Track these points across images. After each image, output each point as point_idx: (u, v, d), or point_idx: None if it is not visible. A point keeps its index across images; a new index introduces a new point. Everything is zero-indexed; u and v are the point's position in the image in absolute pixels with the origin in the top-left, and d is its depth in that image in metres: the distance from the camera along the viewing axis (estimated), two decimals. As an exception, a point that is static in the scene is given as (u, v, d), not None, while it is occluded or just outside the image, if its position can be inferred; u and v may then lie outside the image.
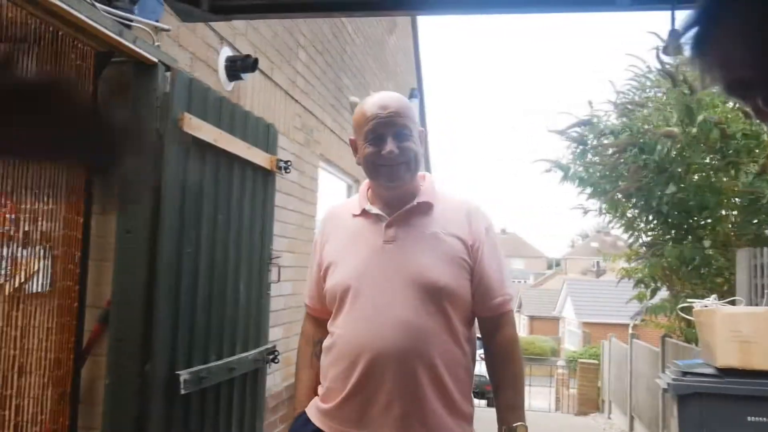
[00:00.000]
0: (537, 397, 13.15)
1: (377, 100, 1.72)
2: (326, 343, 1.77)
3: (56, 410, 2.42)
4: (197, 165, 2.74)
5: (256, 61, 3.39)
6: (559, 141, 8.56)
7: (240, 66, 3.34)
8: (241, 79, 3.42)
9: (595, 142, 7.59)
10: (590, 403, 12.92)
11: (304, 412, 1.79)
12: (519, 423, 1.66)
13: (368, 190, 1.83)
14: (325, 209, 2.01)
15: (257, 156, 3.24)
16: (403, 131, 1.68)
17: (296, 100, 4.54)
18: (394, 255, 1.67)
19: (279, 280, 3.65)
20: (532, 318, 33.38)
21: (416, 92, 8.97)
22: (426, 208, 1.74)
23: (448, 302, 1.64)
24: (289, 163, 3.58)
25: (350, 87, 5.96)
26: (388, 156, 1.66)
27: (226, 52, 3.39)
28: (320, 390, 1.78)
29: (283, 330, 4.31)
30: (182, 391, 2.59)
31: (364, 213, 1.77)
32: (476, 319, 1.79)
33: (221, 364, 2.92)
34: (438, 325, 1.63)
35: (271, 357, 3.43)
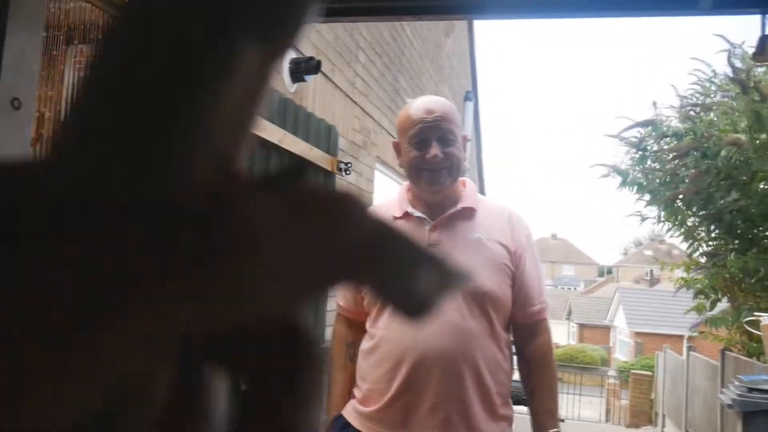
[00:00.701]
0: (587, 407, 12.91)
1: (423, 104, 1.73)
2: (366, 345, 1.76)
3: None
4: (262, 165, 2.79)
5: (319, 63, 3.43)
6: (617, 146, 8.38)
7: (303, 68, 3.38)
8: (304, 80, 3.47)
9: (655, 147, 7.41)
10: (643, 416, 12.61)
11: (341, 415, 1.78)
12: (555, 429, 1.68)
13: (408, 192, 1.83)
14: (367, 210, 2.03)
15: (318, 157, 3.28)
16: (447, 136, 1.68)
17: (355, 102, 4.58)
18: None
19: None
20: (581, 326, 32.75)
21: (471, 95, 8.93)
22: (469, 213, 1.74)
23: (491, 307, 1.66)
24: (349, 165, 3.61)
25: (407, 89, 5.97)
26: (431, 160, 1.66)
27: (289, 54, 3.44)
28: (357, 393, 1.77)
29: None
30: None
31: (406, 215, 1.76)
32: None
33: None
34: (482, 328, 1.64)
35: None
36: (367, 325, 1.76)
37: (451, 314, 1.61)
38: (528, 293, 1.72)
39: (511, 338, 1.79)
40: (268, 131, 2.77)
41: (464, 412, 1.61)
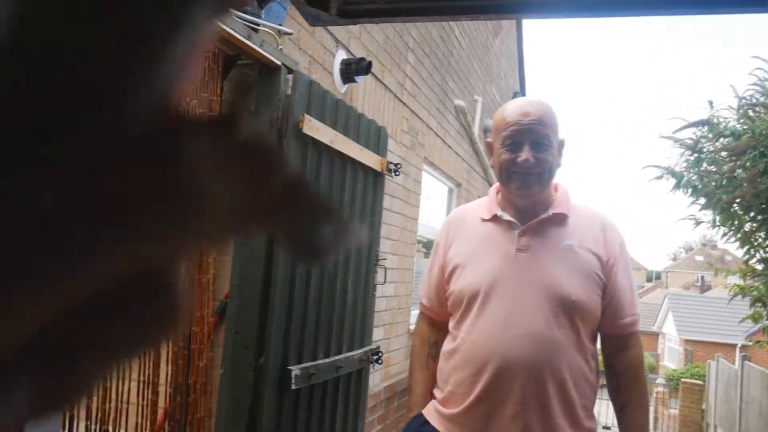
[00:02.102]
0: (634, 415, 12.58)
1: (519, 106, 1.69)
2: (448, 346, 1.75)
3: (183, 397, 2.54)
4: (314, 165, 2.80)
5: (369, 64, 3.43)
6: (670, 148, 8.15)
7: (354, 69, 3.38)
8: (354, 81, 3.47)
9: (711, 149, 7.18)
10: (693, 426, 12.25)
11: (421, 414, 1.78)
12: None
13: (498, 194, 1.80)
14: (451, 212, 2.00)
15: (368, 158, 3.27)
16: (541, 141, 1.65)
17: (404, 103, 4.56)
18: (528, 264, 1.65)
19: (385, 282, 3.67)
20: (628, 332, 32.00)
21: (519, 95, 8.83)
22: (560, 219, 1.71)
23: (579, 317, 1.62)
24: (398, 166, 3.60)
25: (455, 90, 5.93)
26: (522, 164, 1.63)
27: (341, 55, 3.45)
28: (438, 393, 1.76)
29: (384, 331, 4.34)
30: (293, 386, 2.65)
31: (496, 218, 1.75)
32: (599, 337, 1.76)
33: (329, 362, 2.97)
34: (568, 339, 1.61)
35: (375, 357, 3.46)
36: (450, 326, 1.76)
37: (538, 323, 1.59)
38: (619, 304, 1.68)
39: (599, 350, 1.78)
40: (320, 132, 2.78)
41: (546, 421, 1.59)
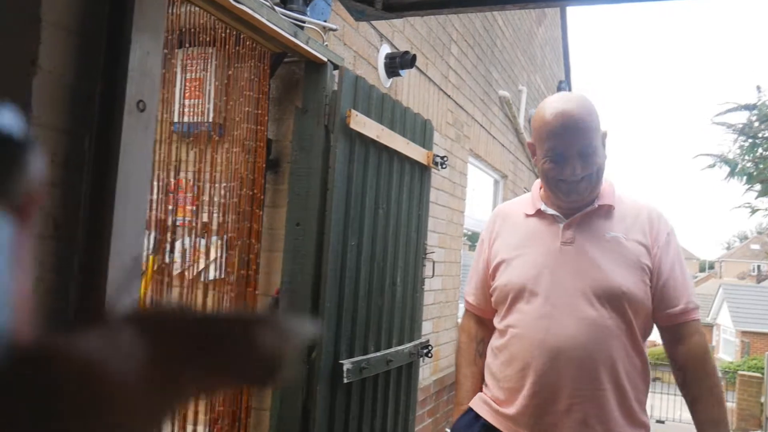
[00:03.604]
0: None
1: (559, 110, 1.60)
2: (495, 342, 1.73)
3: (233, 391, 2.58)
4: (361, 160, 2.80)
5: (414, 57, 3.42)
6: (722, 134, 7.88)
7: (399, 63, 3.38)
8: (399, 75, 3.46)
9: (767, 134, 6.93)
10: (752, 420, 11.87)
11: (471, 409, 1.77)
12: None
13: (541, 189, 1.77)
14: (496, 208, 1.97)
15: (415, 151, 3.27)
16: (587, 149, 1.59)
17: (448, 95, 4.53)
18: (573, 257, 1.63)
19: (433, 276, 3.66)
20: (681, 323, 31.20)
21: (564, 85, 8.67)
22: (606, 211, 1.67)
23: (629, 308, 1.58)
24: (445, 159, 3.58)
25: (499, 81, 5.86)
26: (569, 177, 1.59)
27: (385, 49, 3.45)
28: (488, 390, 1.74)
29: (432, 325, 4.33)
30: (345, 380, 2.67)
31: (539, 213, 1.72)
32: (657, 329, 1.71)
33: (380, 355, 2.98)
34: (619, 329, 1.58)
35: (424, 351, 3.46)
36: (496, 322, 1.74)
37: (587, 312, 1.56)
38: (669, 294, 1.63)
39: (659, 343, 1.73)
40: (367, 126, 2.78)
41: (602, 415, 1.55)
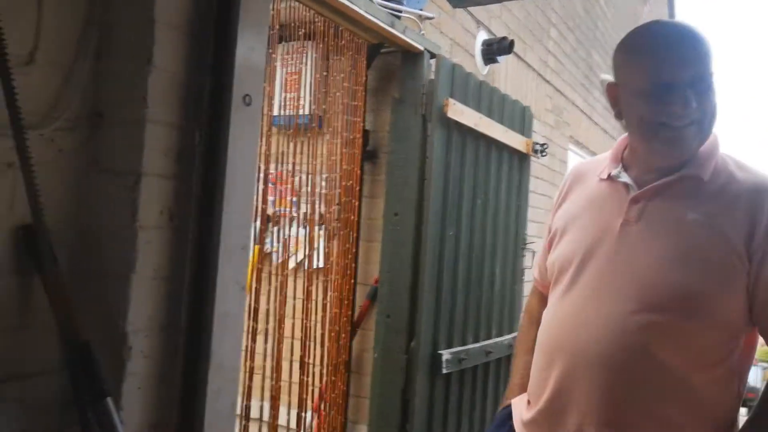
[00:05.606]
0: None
1: (663, 27, 1.28)
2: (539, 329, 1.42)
3: (334, 377, 2.64)
4: (459, 149, 2.77)
5: (512, 43, 3.34)
6: None
7: (496, 49, 3.32)
8: (496, 62, 3.40)
9: None
10: None
11: (509, 407, 1.46)
12: None
13: (626, 148, 1.36)
14: (573, 165, 1.59)
15: (513, 139, 3.20)
16: (703, 78, 1.18)
17: (547, 81, 4.41)
18: (632, 242, 1.24)
19: (532, 266, 3.58)
20: None
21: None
22: (694, 183, 1.24)
23: (693, 318, 1.17)
24: (544, 146, 3.49)
25: (601, 65, 5.63)
26: (679, 113, 1.17)
27: (482, 36, 3.39)
28: (528, 385, 1.43)
29: (532, 316, 4.24)
30: (444, 370, 2.67)
31: (610, 179, 1.33)
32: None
33: (478, 346, 2.95)
34: (669, 347, 1.18)
35: (524, 343, 3.39)
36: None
37: (621, 315, 1.21)
38: None
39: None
40: (465, 115, 2.75)
41: None
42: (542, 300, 1.50)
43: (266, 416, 2.31)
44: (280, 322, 2.34)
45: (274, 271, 2.40)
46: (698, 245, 1.19)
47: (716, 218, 1.20)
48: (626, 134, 1.35)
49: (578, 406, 1.22)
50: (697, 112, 1.17)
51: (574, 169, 1.50)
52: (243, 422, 2.20)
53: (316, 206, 2.61)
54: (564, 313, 1.30)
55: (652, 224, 1.24)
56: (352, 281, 2.71)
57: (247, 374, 2.21)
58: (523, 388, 1.44)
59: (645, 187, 1.26)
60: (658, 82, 1.17)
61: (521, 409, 1.39)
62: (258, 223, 2.34)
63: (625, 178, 1.30)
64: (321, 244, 2.62)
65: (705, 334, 1.18)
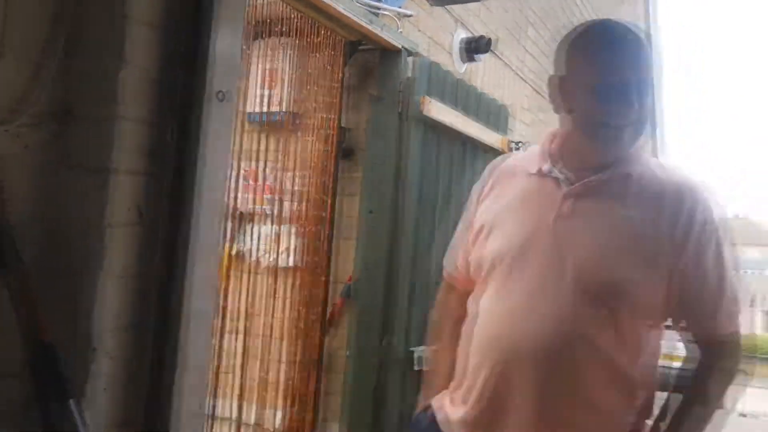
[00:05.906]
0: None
1: (614, 33, 1.29)
2: (466, 325, 1.41)
3: (304, 375, 2.63)
4: (434, 146, 2.78)
5: (489, 41, 3.36)
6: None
7: (474, 47, 3.32)
8: (474, 60, 3.41)
9: None
10: None
11: (431, 406, 1.43)
12: None
13: (551, 143, 1.36)
14: (493, 161, 1.54)
15: (490, 137, 3.22)
16: (646, 82, 1.24)
17: (524, 80, 4.43)
18: (565, 235, 1.27)
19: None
20: (769, 315, 29.71)
21: (647, 66, 8.31)
22: (624, 180, 1.28)
23: (625, 309, 1.24)
24: (521, 144, 3.51)
25: (578, 64, 5.68)
26: (624, 113, 1.22)
27: (460, 34, 3.39)
28: (453, 384, 1.40)
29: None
30: (416, 367, 2.68)
31: (540, 173, 1.34)
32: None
33: (451, 344, 2.97)
34: (605, 334, 1.24)
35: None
36: (469, 300, 1.41)
37: (560, 310, 1.24)
38: (700, 298, 1.27)
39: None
40: (441, 113, 2.75)
41: None
42: (460, 297, 1.48)
43: (235, 415, 2.30)
44: (250, 320, 2.33)
45: (245, 270, 2.38)
46: (629, 239, 1.25)
47: (644, 214, 1.26)
48: (553, 129, 1.38)
49: (515, 403, 1.24)
50: (637, 112, 1.23)
51: (496, 163, 1.49)
52: (211, 421, 2.19)
53: (287, 204, 2.60)
54: (501, 309, 1.30)
55: (585, 219, 1.28)
56: (323, 279, 2.70)
57: (215, 373, 2.20)
58: (444, 386, 1.42)
59: (577, 182, 1.29)
60: (607, 81, 1.22)
61: (447, 409, 1.37)
62: (231, 221, 2.32)
63: (557, 173, 1.31)
64: (291, 241, 2.61)
65: (637, 322, 1.26)
